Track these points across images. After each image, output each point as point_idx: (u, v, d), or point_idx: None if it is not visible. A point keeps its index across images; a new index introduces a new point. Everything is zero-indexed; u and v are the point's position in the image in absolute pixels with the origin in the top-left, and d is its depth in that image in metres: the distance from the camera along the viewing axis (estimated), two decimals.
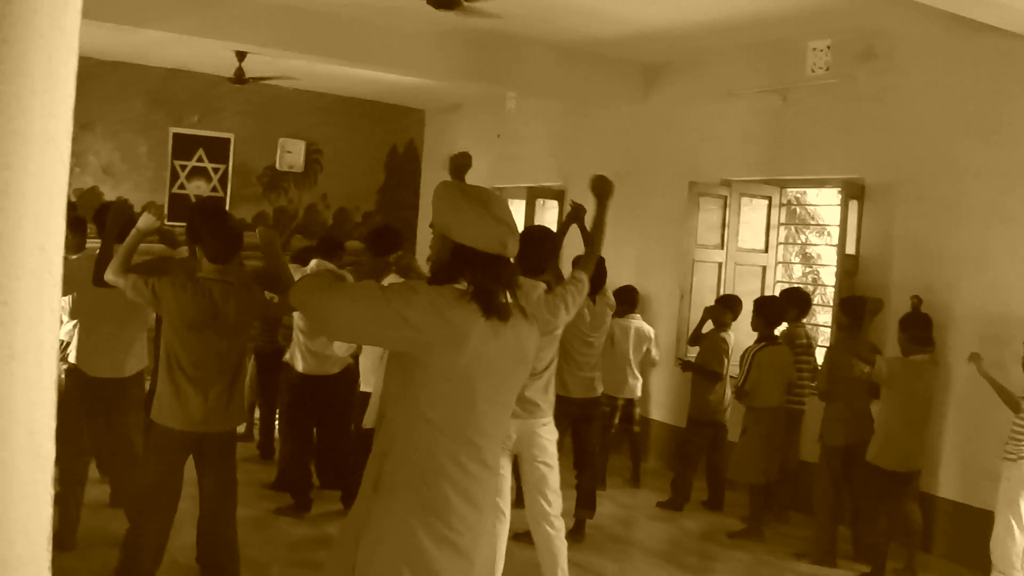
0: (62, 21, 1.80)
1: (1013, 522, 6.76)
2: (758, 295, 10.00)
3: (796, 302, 8.76)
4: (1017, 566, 6.80)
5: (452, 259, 3.16)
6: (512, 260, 3.22)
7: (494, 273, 3.14)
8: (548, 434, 6.10)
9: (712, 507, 9.13)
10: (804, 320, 8.94)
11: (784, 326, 8.58)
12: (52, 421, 1.72)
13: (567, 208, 7.35)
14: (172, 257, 6.91)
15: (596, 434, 8.23)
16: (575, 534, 7.84)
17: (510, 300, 3.23)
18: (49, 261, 1.73)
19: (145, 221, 5.47)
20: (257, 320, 6.58)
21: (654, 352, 9.81)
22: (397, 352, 3.18)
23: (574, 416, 7.80)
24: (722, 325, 9.09)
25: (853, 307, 7.85)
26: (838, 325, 8.05)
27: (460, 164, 5.93)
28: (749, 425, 8.31)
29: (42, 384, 1.70)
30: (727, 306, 9.13)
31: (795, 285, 9.99)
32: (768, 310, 8.36)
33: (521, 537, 6.76)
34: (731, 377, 8.88)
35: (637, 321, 9.70)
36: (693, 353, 9.45)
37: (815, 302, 10.53)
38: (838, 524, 7.83)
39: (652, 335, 9.81)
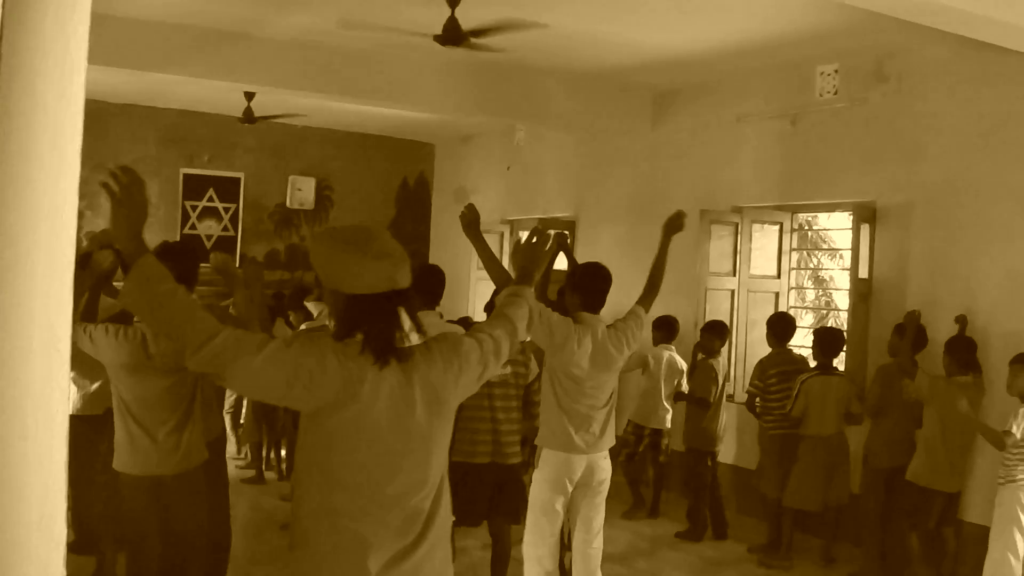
0: (67, 91, 1.78)
1: (1007, 549, 6.70)
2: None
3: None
4: None
5: (347, 311, 3.02)
6: (408, 289, 3.07)
7: (390, 313, 3.01)
8: (607, 467, 6.12)
9: (718, 536, 9.07)
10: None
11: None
12: (63, 503, 1.70)
13: (574, 238, 7.36)
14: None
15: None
16: None
17: (419, 340, 3.13)
18: (58, 339, 1.71)
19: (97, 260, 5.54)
20: None
21: (684, 387, 9.61)
22: (302, 410, 3.05)
23: None
24: (711, 353, 9.06)
25: (904, 330, 7.85)
26: (890, 348, 8.00)
27: (472, 220, 5.77)
28: (804, 453, 8.25)
29: (53, 465, 1.68)
30: (715, 333, 9.10)
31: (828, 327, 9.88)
32: (828, 342, 8.34)
33: None
34: (733, 401, 8.83)
35: (671, 352, 9.64)
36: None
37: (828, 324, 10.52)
38: (884, 547, 7.83)
39: (684, 368, 9.62)
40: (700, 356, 9.17)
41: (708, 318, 10.02)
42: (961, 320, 7.84)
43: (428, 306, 6.17)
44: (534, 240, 3.71)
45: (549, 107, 10.94)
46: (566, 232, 7.14)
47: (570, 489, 5.97)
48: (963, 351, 7.41)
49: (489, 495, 6.40)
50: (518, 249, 3.67)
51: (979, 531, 7.73)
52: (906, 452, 7.72)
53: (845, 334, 8.79)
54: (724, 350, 9.32)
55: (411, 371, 3.04)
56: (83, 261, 5.73)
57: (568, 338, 5.69)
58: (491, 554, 6.69)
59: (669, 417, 9.64)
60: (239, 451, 10.89)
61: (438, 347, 3.14)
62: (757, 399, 8.52)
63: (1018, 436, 6.68)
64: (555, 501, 5.94)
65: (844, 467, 8.34)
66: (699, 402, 8.95)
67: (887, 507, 7.80)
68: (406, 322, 3.07)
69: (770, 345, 8.63)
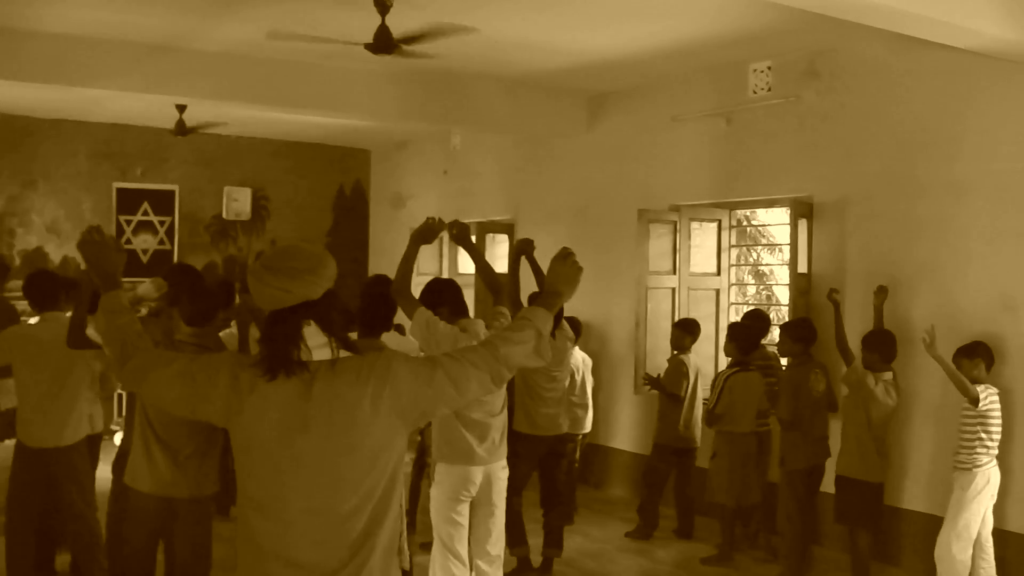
0: None
1: (961, 529, 6.84)
2: (712, 319, 10.05)
3: (763, 326, 8.90)
4: (963, 574, 6.87)
5: (264, 327, 3.08)
6: (318, 303, 3.02)
7: (288, 326, 2.99)
8: (505, 476, 6.14)
9: (683, 535, 9.07)
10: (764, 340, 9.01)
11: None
12: None
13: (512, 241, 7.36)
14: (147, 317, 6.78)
15: (563, 471, 8.20)
16: (543, 573, 7.81)
17: (333, 354, 3.05)
18: None
19: (144, 289, 5.52)
20: None
21: (589, 381, 9.87)
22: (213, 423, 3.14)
23: (541, 453, 7.77)
24: (682, 348, 9.09)
25: (800, 331, 7.90)
26: (784, 351, 8.05)
27: (463, 233, 5.86)
28: (720, 449, 8.30)
29: None
30: (685, 330, 9.14)
31: (756, 308, 9.96)
32: (743, 337, 8.38)
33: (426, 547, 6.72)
34: (704, 401, 8.86)
35: (578, 352, 9.68)
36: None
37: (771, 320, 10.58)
38: (809, 544, 7.86)
39: (590, 362, 9.92)
40: (672, 352, 9.21)
41: (649, 317, 10.07)
42: (881, 292, 7.88)
43: (375, 332, 6.10)
44: (567, 259, 3.42)
45: (484, 112, 10.92)
46: (531, 239, 7.11)
47: (468, 500, 5.98)
48: (886, 345, 7.46)
49: None
50: (553, 268, 3.40)
51: (920, 518, 7.85)
52: (823, 451, 7.83)
53: (776, 322, 8.83)
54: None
55: (310, 385, 2.98)
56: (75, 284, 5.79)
57: (457, 343, 5.56)
58: None
59: (589, 420, 9.79)
60: None
61: (355, 364, 3.04)
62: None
63: (983, 406, 6.82)
64: (457, 514, 5.95)
65: (763, 460, 8.41)
66: (671, 396, 8.95)
67: (813, 509, 7.89)
68: (314, 337, 3.01)
69: (728, 354, 8.61)
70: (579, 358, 9.63)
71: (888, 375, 7.38)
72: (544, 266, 7.18)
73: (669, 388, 8.96)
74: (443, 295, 5.98)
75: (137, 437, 5.48)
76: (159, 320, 6.17)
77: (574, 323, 9.60)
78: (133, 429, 5.57)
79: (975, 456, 6.87)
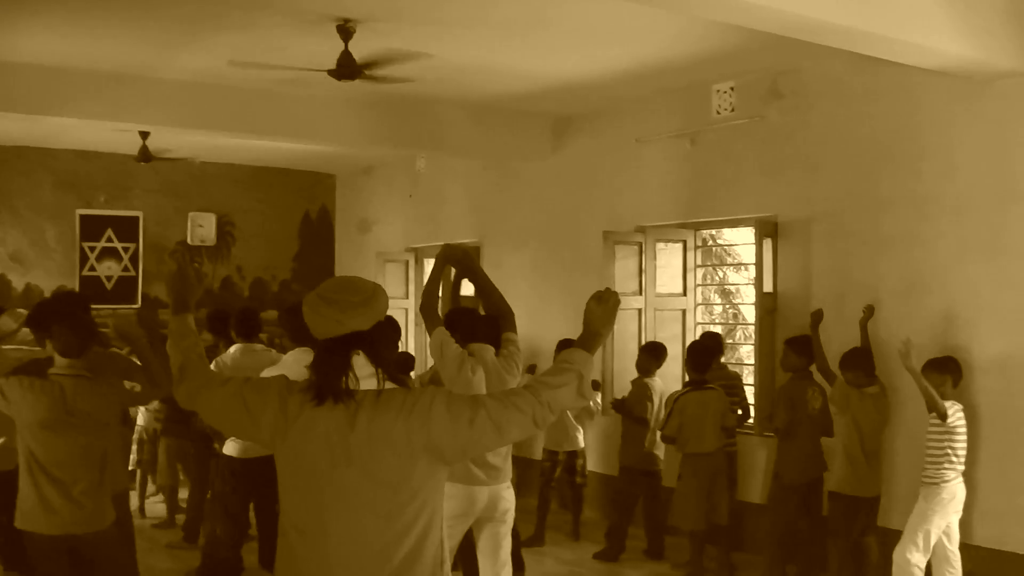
0: None
1: (920, 541, 6.88)
2: (679, 339, 10.06)
3: (715, 345, 8.96)
4: None
5: (315, 356, 3.18)
6: (366, 334, 3.15)
7: (338, 356, 3.12)
8: (511, 497, 6.08)
9: (653, 556, 9.06)
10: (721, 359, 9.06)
11: None
12: None
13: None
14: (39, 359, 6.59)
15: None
16: None
17: (379, 385, 3.17)
18: None
19: (3, 324, 5.38)
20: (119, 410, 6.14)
21: (591, 404, 9.71)
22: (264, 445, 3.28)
23: None
24: (646, 372, 9.10)
25: (803, 346, 7.92)
26: (788, 364, 8.06)
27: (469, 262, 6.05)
28: (685, 471, 8.30)
29: None
30: (652, 354, 9.15)
31: (710, 330, 9.98)
32: (696, 355, 8.42)
33: None
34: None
35: None
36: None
37: (737, 338, 10.63)
38: (788, 562, 7.87)
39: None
40: (637, 376, 9.20)
41: (616, 339, 10.06)
42: (868, 310, 7.90)
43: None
44: (607, 300, 3.32)
45: (448, 136, 10.93)
46: (462, 245, 7.11)
47: (471, 521, 5.95)
48: (864, 359, 7.51)
49: None
50: (591, 309, 3.31)
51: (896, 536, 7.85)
52: (818, 465, 7.84)
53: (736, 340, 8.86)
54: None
55: (356, 414, 3.08)
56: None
57: (462, 366, 5.74)
58: None
59: (581, 437, 9.67)
60: (156, 492, 10.69)
61: (399, 397, 3.11)
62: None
63: (950, 421, 6.85)
64: (450, 526, 5.87)
65: (723, 484, 8.41)
66: (637, 420, 8.95)
67: (810, 523, 7.90)
68: (363, 368, 3.14)
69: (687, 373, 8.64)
70: None
71: (874, 389, 7.45)
72: (509, 283, 7.22)
73: (635, 412, 8.96)
74: (459, 322, 6.16)
75: (25, 478, 5.24)
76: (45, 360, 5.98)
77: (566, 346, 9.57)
78: (20, 471, 5.31)
79: (942, 471, 6.90)
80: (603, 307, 3.30)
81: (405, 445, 3.07)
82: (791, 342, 8.09)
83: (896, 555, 6.96)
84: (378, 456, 3.06)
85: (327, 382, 3.08)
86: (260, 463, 7.57)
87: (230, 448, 7.60)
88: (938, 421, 6.89)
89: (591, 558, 9.06)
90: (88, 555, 5.28)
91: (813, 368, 7.93)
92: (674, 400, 8.27)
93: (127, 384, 5.57)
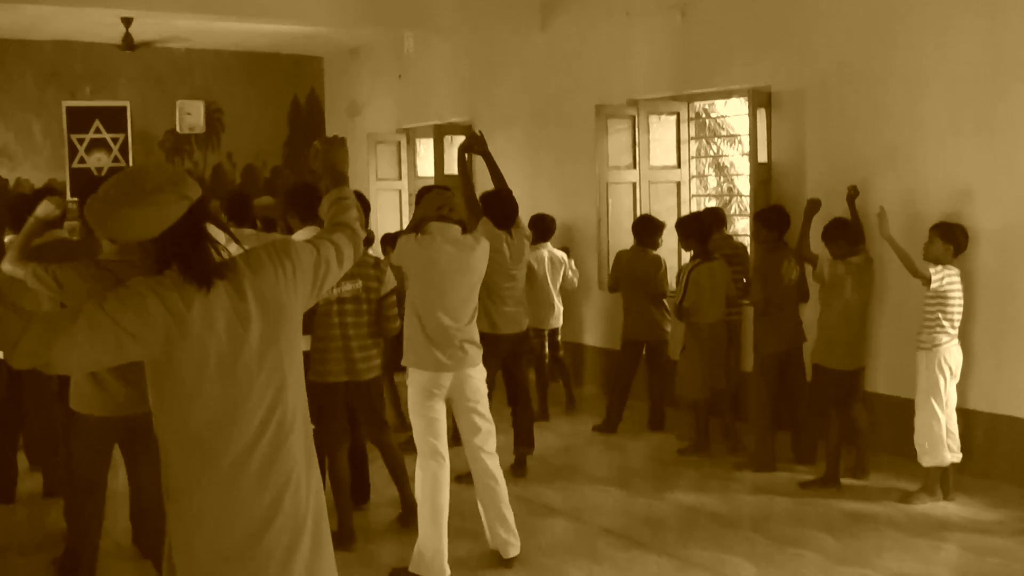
0: None
1: (936, 407, 6.93)
2: (675, 211, 10.04)
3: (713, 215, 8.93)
4: (950, 447, 6.99)
5: (157, 253, 2.90)
6: (202, 201, 2.93)
7: (197, 235, 2.90)
8: (480, 377, 6.06)
9: (655, 427, 9.17)
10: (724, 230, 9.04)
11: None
12: None
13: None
14: (68, 239, 6.52)
15: (527, 368, 8.20)
16: (517, 469, 7.86)
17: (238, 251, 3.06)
18: None
19: (43, 209, 5.28)
20: None
21: (571, 274, 9.81)
22: (147, 362, 2.93)
23: (504, 353, 7.76)
24: (654, 245, 9.09)
25: (772, 218, 7.88)
26: (759, 238, 8.04)
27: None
28: (689, 342, 8.35)
29: None
30: (655, 227, 9.11)
31: (709, 205, 9.95)
32: (695, 228, 8.38)
33: (463, 479, 6.71)
34: (671, 294, 8.87)
35: (548, 250, 9.66)
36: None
37: (732, 211, 10.60)
38: (776, 431, 7.93)
39: (565, 258, 9.80)
40: (642, 249, 9.13)
41: (611, 213, 10.05)
42: (852, 190, 7.84)
43: (309, 221, 6.17)
44: (332, 141, 3.53)
45: (434, 14, 10.78)
46: (478, 133, 7.06)
47: (441, 397, 5.94)
48: (846, 228, 7.44)
49: (348, 413, 6.47)
50: (317, 155, 3.49)
51: (890, 401, 7.93)
52: (796, 335, 7.88)
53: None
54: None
55: (240, 283, 2.96)
56: (26, 206, 5.58)
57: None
58: (386, 467, 6.83)
59: (560, 313, 9.78)
60: None
61: (264, 252, 3.05)
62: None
63: (935, 286, 6.85)
64: (429, 409, 5.89)
65: (733, 350, 8.46)
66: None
67: (788, 393, 7.96)
68: (219, 235, 2.98)
69: (687, 248, 8.63)
70: (544, 256, 9.59)
71: (859, 259, 7.42)
72: (500, 163, 7.23)
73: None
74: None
75: None
76: (83, 242, 5.90)
77: (544, 221, 9.58)
78: None
79: (934, 335, 6.94)
80: (328, 146, 3.52)
81: (288, 299, 3.05)
82: (759, 216, 8.07)
83: (919, 435, 7.01)
84: (271, 313, 2.99)
85: (202, 264, 2.88)
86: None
87: None
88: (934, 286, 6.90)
89: (591, 430, 9.16)
90: (143, 435, 5.30)
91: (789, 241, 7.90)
92: (687, 272, 8.24)
93: None
